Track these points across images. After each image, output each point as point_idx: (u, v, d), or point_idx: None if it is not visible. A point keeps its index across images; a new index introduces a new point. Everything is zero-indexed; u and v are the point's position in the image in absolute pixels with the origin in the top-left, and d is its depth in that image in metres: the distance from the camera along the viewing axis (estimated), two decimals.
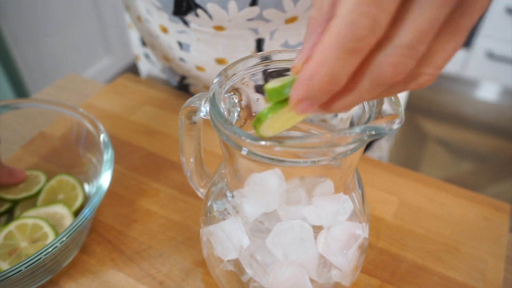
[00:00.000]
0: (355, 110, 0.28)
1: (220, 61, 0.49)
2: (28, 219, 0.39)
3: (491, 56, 1.74)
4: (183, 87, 0.59)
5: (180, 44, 0.50)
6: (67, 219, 0.40)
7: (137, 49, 0.63)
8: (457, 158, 1.60)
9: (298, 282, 0.31)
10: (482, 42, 1.74)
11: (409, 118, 1.76)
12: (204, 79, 0.54)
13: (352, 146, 0.24)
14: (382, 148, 0.65)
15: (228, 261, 0.33)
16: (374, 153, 0.63)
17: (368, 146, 0.62)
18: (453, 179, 1.51)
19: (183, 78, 0.57)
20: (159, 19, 0.49)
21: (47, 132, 0.47)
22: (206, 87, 0.56)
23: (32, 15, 1.47)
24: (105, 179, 0.38)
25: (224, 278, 0.34)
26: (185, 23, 0.46)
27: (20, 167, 0.44)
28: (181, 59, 0.52)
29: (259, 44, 0.46)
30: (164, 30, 0.50)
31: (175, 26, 0.48)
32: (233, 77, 0.28)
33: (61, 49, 1.63)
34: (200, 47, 0.48)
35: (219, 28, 0.45)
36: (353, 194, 0.30)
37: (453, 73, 1.88)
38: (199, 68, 0.52)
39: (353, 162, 0.27)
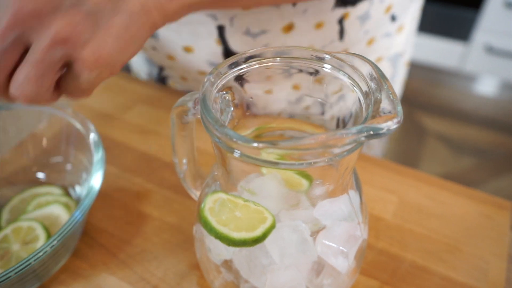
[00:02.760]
0: (352, 109, 0.27)
1: (188, 49, 0.49)
2: (24, 221, 0.39)
3: (490, 50, 1.73)
4: (162, 79, 0.59)
5: None
6: (63, 219, 0.40)
7: None
8: (456, 153, 1.60)
9: (295, 286, 0.30)
10: (480, 36, 1.72)
11: (408, 114, 1.75)
12: (178, 68, 0.54)
13: (348, 147, 0.23)
14: (374, 147, 0.64)
15: (222, 264, 0.32)
16: (377, 151, 0.62)
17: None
18: (452, 174, 1.51)
19: (160, 69, 0.57)
20: None
21: (38, 133, 0.46)
22: (183, 78, 0.55)
23: None
24: (96, 180, 0.37)
25: (218, 282, 0.33)
26: None
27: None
28: (153, 48, 0.53)
29: (221, 32, 0.46)
30: None
31: None
32: (225, 75, 0.27)
33: None
34: (167, 34, 0.49)
35: None
36: (351, 195, 0.29)
37: (452, 68, 1.87)
38: (170, 57, 0.52)
39: (350, 163, 0.26)
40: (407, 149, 1.61)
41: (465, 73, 1.89)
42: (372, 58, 0.52)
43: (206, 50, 0.48)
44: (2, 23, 0.25)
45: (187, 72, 0.54)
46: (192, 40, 0.48)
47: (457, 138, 1.66)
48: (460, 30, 1.76)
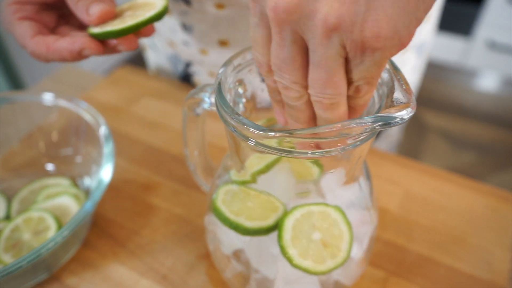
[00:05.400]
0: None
1: (223, 43, 0.49)
2: (35, 211, 0.39)
3: (492, 45, 1.73)
4: (187, 76, 0.59)
5: (184, 26, 0.49)
6: (73, 209, 0.40)
7: (145, 39, 0.62)
8: (457, 149, 1.60)
9: (305, 275, 0.30)
10: (483, 31, 1.72)
11: None
12: (208, 64, 0.53)
13: (362, 136, 0.23)
14: (393, 137, 0.64)
15: (234, 254, 0.32)
16: (382, 143, 0.63)
17: (377, 135, 0.61)
18: (453, 170, 1.51)
19: (187, 65, 0.56)
20: None
21: (46, 125, 0.46)
22: (212, 74, 0.55)
23: None
24: (106, 173, 0.38)
25: (230, 272, 0.34)
26: (187, 2, 0.46)
27: None
28: (185, 43, 0.52)
29: None
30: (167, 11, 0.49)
31: (177, 6, 0.47)
32: (238, 67, 0.28)
33: None
34: (203, 28, 0.48)
35: (220, 6, 0.44)
36: (362, 185, 0.30)
37: (454, 63, 1.87)
38: (203, 52, 0.51)
39: (362, 153, 0.26)
40: (408, 144, 1.62)
41: (467, 68, 1.89)
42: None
43: (242, 44, 0.48)
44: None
45: (218, 66, 0.54)
46: (228, 33, 0.48)
47: (458, 134, 1.67)
48: (462, 25, 1.76)
